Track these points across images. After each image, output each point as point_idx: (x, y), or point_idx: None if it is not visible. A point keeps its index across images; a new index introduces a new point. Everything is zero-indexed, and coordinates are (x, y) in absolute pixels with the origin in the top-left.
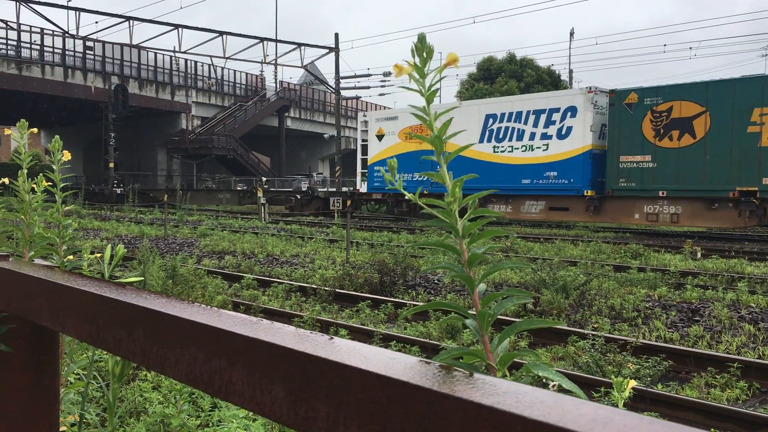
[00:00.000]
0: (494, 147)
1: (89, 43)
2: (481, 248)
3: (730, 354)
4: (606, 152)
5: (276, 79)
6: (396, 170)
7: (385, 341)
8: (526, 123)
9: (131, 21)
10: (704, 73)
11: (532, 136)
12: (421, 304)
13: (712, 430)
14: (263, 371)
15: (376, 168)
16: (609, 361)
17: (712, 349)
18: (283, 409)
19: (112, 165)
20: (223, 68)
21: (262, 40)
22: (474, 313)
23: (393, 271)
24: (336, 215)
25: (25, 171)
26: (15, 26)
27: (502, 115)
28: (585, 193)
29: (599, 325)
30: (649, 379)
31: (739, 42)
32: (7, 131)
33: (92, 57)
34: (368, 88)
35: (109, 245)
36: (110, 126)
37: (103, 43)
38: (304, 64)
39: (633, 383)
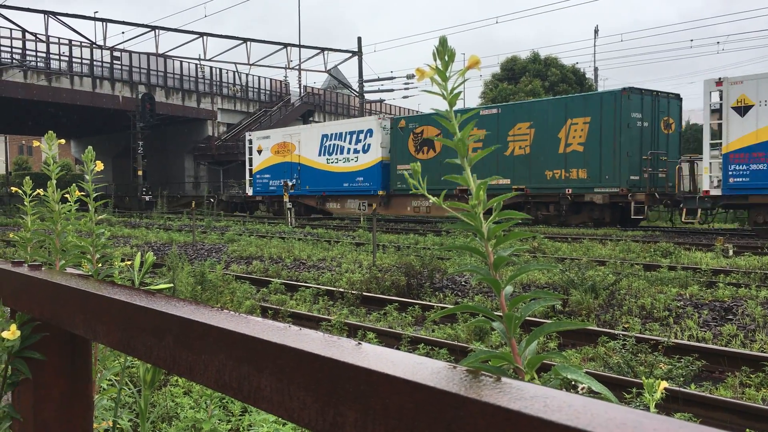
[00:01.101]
0: (327, 159)
1: (116, 54)
2: (507, 250)
3: (764, 353)
4: (390, 163)
5: (300, 84)
6: (270, 179)
7: (413, 344)
8: (344, 141)
9: (157, 30)
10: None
11: (349, 151)
12: (448, 306)
13: (748, 430)
14: (291, 377)
15: (258, 176)
16: (640, 362)
17: (746, 348)
18: (312, 414)
19: (140, 173)
20: (247, 75)
21: (285, 45)
22: (501, 315)
23: (420, 273)
24: (361, 219)
25: (54, 181)
26: (44, 38)
27: (332, 134)
28: (378, 193)
29: (630, 325)
30: (681, 379)
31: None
32: (36, 143)
33: (119, 67)
34: (392, 90)
35: (139, 253)
36: (138, 134)
37: (130, 53)
38: (328, 68)
39: (664, 384)
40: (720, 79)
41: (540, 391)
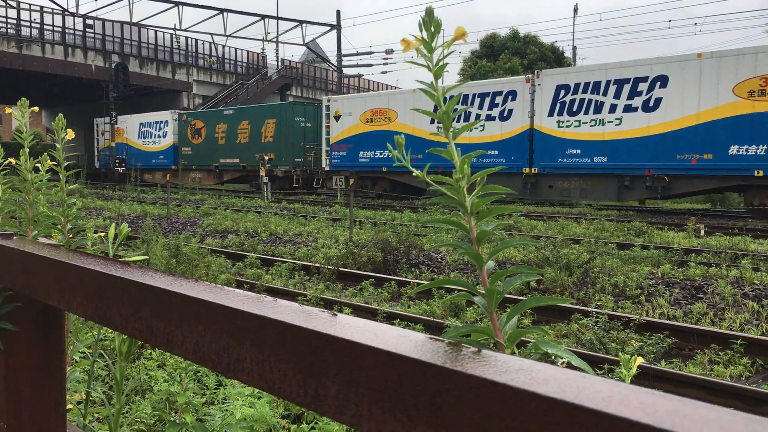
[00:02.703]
0: (143, 141)
1: (89, 21)
2: (489, 225)
3: (733, 331)
4: (178, 145)
5: (277, 57)
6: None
7: (389, 319)
8: (153, 128)
9: None
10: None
11: (156, 136)
12: (425, 282)
13: None
14: (272, 349)
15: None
16: (612, 339)
17: (716, 326)
18: (293, 386)
19: (113, 144)
20: (224, 46)
21: (263, 17)
22: (482, 290)
23: (396, 249)
24: (339, 194)
25: (27, 150)
26: (15, 4)
27: (146, 123)
28: (172, 167)
29: (602, 302)
30: (652, 356)
31: (746, 17)
32: (8, 110)
33: (92, 35)
34: (370, 65)
35: (113, 224)
36: (111, 105)
37: (103, 21)
38: (306, 41)
39: (640, 360)
40: (329, 98)
41: (526, 364)
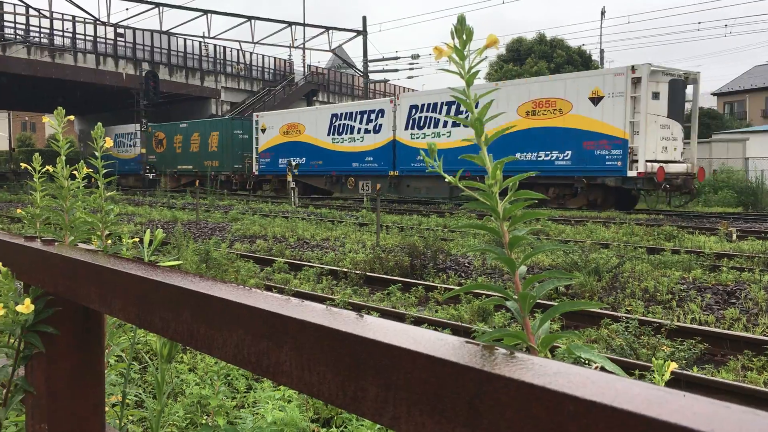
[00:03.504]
0: (117, 149)
1: (120, 30)
2: (521, 230)
3: (767, 336)
4: (146, 153)
5: (304, 63)
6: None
7: (417, 324)
8: (125, 138)
9: (161, 7)
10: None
11: (128, 145)
12: (453, 287)
13: None
14: (311, 352)
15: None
16: (643, 344)
17: (749, 331)
18: (332, 389)
19: (143, 151)
20: (251, 53)
21: (290, 24)
22: (515, 295)
23: (423, 254)
24: (365, 199)
25: (64, 157)
26: (48, 14)
27: (120, 134)
28: (140, 172)
29: (633, 307)
30: (684, 362)
31: None
32: (44, 119)
33: (123, 44)
34: (396, 71)
35: (148, 230)
36: (142, 112)
37: (134, 29)
38: (332, 47)
39: (674, 366)
40: (257, 114)
41: (563, 367)
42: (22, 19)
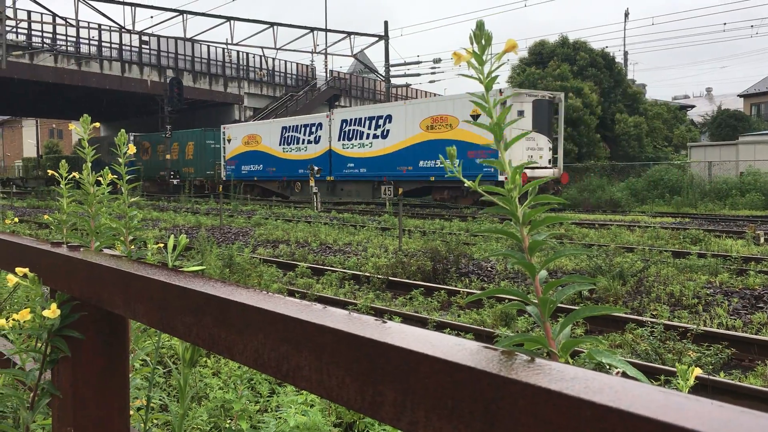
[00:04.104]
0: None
1: (145, 38)
2: (541, 235)
3: None
4: (135, 161)
5: (326, 69)
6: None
7: (439, 329)
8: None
9: (185, 15)
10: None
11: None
12: (476, 291)
13: None
14: (330, 357)
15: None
16: (668, 349)
17: None
18: (350, 393)
19: (168, 157)
20: (274, 59)
21: (312, 30)
22: (535, 300)
23: (446, 258)
24: (387, 203)
25: (90, 164)
26: (74, 23)
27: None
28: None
29: (658, 312)
30: (710, 367)
31: None
32: (71, 126)
33: (148, 51)
34: (418, 75)
35: (172, 236)
36: (166, 119)
37: (158, 37)
38: (354, 53)
39: (698, 371)
40: (223, 127)
41: (580, 372)
42: (49, 28)
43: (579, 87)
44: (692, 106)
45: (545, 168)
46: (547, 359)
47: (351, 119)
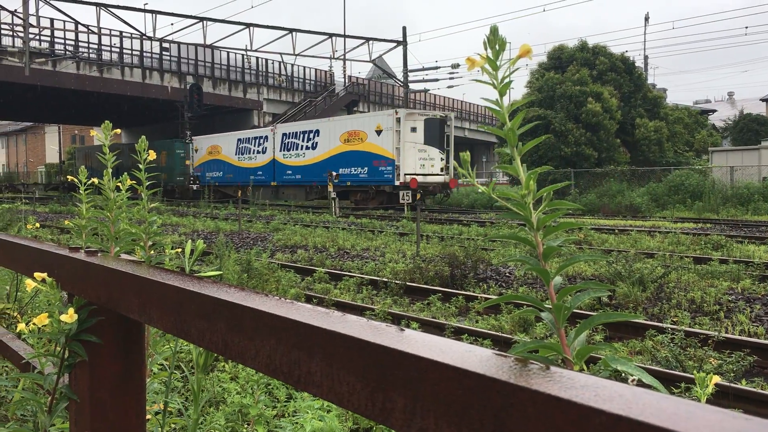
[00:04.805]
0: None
1: (165, 45)
2: (556, 241)
3: None
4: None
5: (345, 74)
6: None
7: (457, 334)
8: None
9: (205, 21)
10: None
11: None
12: (493, 297)
13: None
14: (341, 363)
15: None
16: (689, 356)
17: None
18: (361, 400)
19: (188, 162)
20: (293, 65)
21: (330, 36)
22: (549, 306)
23: (463, 264)
24: (406, 209)
25: (110, 170)
26: (96, 30)
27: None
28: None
29: (678, 318)
30: (732, 374)
31: None
32: (92, 132)
33: (168, 58)
34: (436, 80)
35: (189, 241)
36: (186, 124)
37: (179, 44)
38: (373, 58)
39: (717, 379)
40: (192, 137)
41: (591, 380)
42: (71, 36)
43: (598, 91)
44: (714, 111)
45: (436, 175)
46: (563, 366)
47: (290, 133)
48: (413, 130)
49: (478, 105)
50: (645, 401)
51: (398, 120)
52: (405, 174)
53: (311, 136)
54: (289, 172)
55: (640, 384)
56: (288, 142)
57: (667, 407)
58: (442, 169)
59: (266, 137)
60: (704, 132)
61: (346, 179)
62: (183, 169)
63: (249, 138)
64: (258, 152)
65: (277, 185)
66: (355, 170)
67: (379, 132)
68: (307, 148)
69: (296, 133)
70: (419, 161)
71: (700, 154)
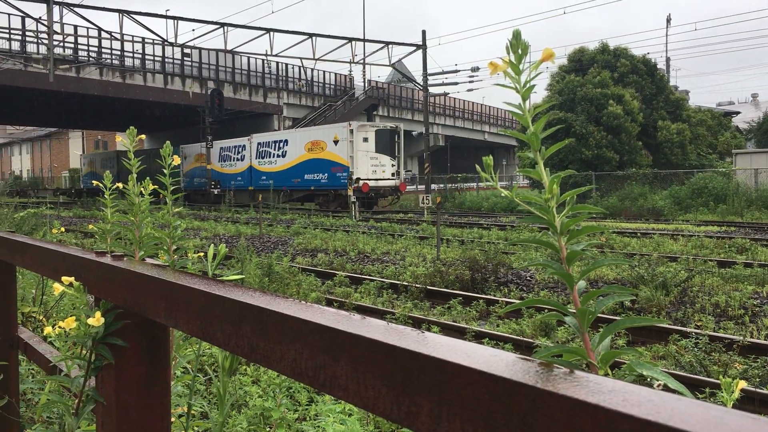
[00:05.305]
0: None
1: (187, 51)
2: (579, 245)
3: None
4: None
5: (364, 78)
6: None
7: (478, 338)
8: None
9: (226, 27)
10: None
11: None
12: (515, 301)
13: None
14: (366, 367)
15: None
16: (714, 361)
17: None
18: (387, 404)
19: (209, 167)
20: (312, 69)
21: (350, 40)
22: (573, 310)
23: (484, 267)
24: (425, 212)
25: (135, 175)
26: (119, 37)
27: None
28: None
29: (702, 323)
30: (758, 379)
31: None
32: (118, 138)
33: (189, 63)
34: (456, 84)
35: (212, 245)
36: (207, 129)
37: (200, 49)
38: (392, 62)
39: (743, 384)
40: (181, 147)
41: (618, 385)
42: (95, 42)
43: (620, 94)
44: (737, 113)
45: (388, 179)
46: (587, 371)
47: (264, 142)
48: (365, 140)
49: (498, 108)
50: (674, 406)
51: (351, 131)
52: (358, 179)
53: (281, 145)
54: (264, 177)
55: (666, 389)
56: (262, 151)
57: (696, 412)
58: (393, 174)
59: (244, 146)
60: (728, 134)
61: (310, 184)
62: (203, 174)
63: (230, 147)
64: (237, 159)
65: (254, 189)
66: (317, 176)
67: (336, 142)
68: (278, 156)
69: (269, 142)
70: (371, 168)
71: (724, 157)
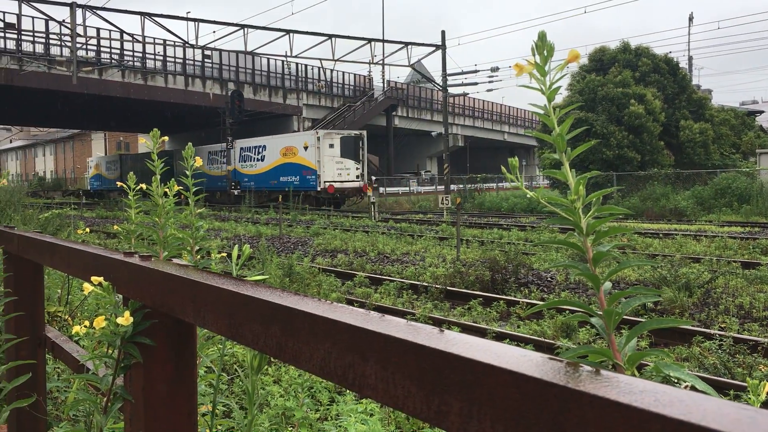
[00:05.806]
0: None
1: (207, 52)
2: (605, 246)
3: None
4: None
5: (383, 79)
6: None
7: (498, 339)
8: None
9: (246, 29)
10: None
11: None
12: (537, 302)
13: None
14: (396, 366)
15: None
16: (738, 363)
17: None
18: (417, 403)
19: (230, 168)
20: (332, 70)
21: (369, 41)
22: (599, 311)
23: (504, 268)
24: (445, 213)
25: (158, 176)
26: (140, 39)
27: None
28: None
29: (726, 324)
30: None
31: None
32: (141, 139)
33: (210, 65)
34: (475, 84)
35: (236, 246)
36: (227, 130)
37: (220, 51)
38: (411, 62)
39: None
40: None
41: (649, 385)
42: (117, 45)
43: (641, 93)
44: (761, 112)
45: (352, 181)
46: (613, 372)
47: (246, 147)
48: (331, 146)
49: (518, 108)
50: (706, 407)
51: (318, 138)
52: (325, 181)
53: (260, 150)
54: (246, 179)
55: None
56: (245, 155)
57: (729, 413)
58: (357, 177)
59: (226, 151)
60: (751, 133)
61: (285, 186)
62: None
63: (216, 150)
64: (222, 162)
65: (236, 189)
66: (290, 178)
67: (306, 148)
68: (258, 160)
69: (250, 147)
70: (337, 171)
71: (748, 156)
